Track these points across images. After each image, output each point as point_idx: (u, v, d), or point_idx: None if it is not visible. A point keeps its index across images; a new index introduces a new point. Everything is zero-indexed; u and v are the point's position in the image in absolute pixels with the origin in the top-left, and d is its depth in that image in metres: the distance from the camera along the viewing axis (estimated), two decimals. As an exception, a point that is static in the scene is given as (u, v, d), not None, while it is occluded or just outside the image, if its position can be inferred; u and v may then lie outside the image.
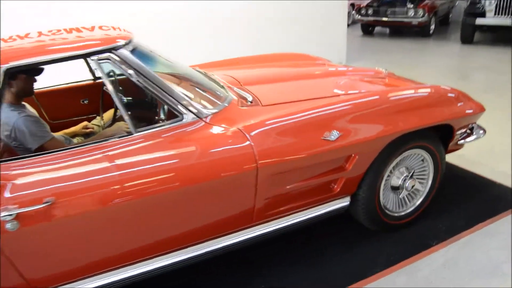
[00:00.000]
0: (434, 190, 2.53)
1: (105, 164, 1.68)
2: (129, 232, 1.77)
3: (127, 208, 1.68)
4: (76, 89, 2.87)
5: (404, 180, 2.38)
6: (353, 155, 2.09)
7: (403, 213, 2.47)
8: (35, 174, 1.61)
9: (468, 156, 3.49)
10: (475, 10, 8.02)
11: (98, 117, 2.83)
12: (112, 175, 1.66)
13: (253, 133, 1.87)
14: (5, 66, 1.61)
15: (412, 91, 2.38)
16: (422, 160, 2.44)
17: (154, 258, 1.87)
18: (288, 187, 2.01)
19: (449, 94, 2.45)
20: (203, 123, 1.89)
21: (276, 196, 2.00)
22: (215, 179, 1.80)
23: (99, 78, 2.74)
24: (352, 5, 11.82)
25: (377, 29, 11.09)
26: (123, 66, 1.77)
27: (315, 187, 2.12)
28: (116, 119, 2.52)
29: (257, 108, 2.09)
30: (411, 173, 2.39)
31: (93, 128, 2.73)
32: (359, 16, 10.27)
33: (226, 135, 1.86)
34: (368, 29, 10.70)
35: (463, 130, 2.56)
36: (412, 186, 2.41)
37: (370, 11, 10.00)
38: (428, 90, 2.43)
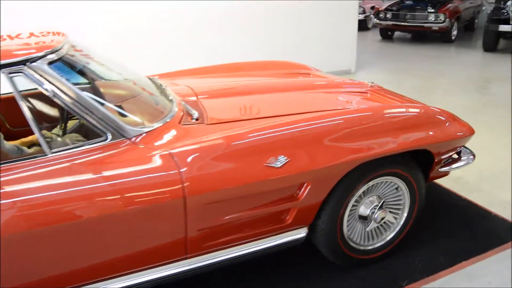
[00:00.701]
0: (410, 223, 2.25)
1: (9, 188, 1.50)
2: (37, 260, 1.57)
3: (34, 235, 1.49)
4: (39, 96, 2.72)
5: (373, 211, 2.11)
6: (305, 183, 1.84)
7: (370, 247, 2.20)
8: None
9: (466, 179, 3.17)
10: (499, 16, 7.54)
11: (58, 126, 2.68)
12: (13, 201, 1.48)
13: (183, 158, 1.66)
14: None
15: (386, 112, 2.11)
16: (396, 189, 2.17)
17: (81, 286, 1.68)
18: (226, 217, 1.78)
19: (431, 115, 2.17)
20: (130, 144, 1.68)
21: (213, 227, 1.78)
22: (133, 207, 1.59)
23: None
24: (373, 7, 11.43)
25: (398, 34, 10.67)
26: (38, 80, 1.58)
27: (263, 218, 1.88)
28: (66, 131, 2.35)
29: (200, 127, 1.87)
30: (380, 203, 2.12)
31: (51, 137, 2.57)
32: (377, 20, 9.89)
33: (152, 159, 1.65)
34: (387, 34, 10.29)
35: (448, 155, 2.27)
36: (382, 218, 2.14)
37: (389, 15, 9.61)
38: (404, 110, 2.16)
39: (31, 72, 1.57)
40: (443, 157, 2.22)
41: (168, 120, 1.87)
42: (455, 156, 2.37)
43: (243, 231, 1.88)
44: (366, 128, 1.95)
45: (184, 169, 1.64)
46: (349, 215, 2.07)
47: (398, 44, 9.96)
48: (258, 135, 1.79)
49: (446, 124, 2.19)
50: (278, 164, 1.75)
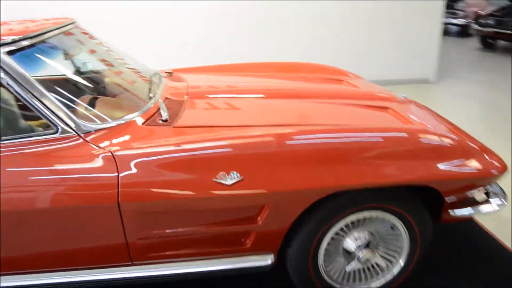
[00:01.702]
0: (407, 273, 1.89)
1: None
2: None
3: None
4: None
5: (358, 248, 1.81)
6: (264, 207, 1.62)
7: (350, 290, 1.89)
8: None
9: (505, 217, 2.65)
10: None
11: None
12: None
13: (125, 161, 1.55)
14: None
15: (379, 135, 1.77)
16: (392, 228, 1.83)
17: (27, 274, 1.68)
18: (170, 230, 1.64)
19: (442, 144, 1.79)
20: (79, 139, 1.61)
21: (156, 238, 1.65)
22: (66, 205, 1.53)
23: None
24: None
25: (502, 43, 9.45)
26: None
27: (218, 237, 1.71)
28: None
29: (162, 129, 1.74)
30: (367, 242, 1.81)
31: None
32: (478, 26, 8.83)
33: (93, 158, 1.56)
34: (488, 42, 9.16)
35: (467, 195, 1.86)
36: (367, 260, 1.82)
37: (492, 21, 8.53)
38: (404, 135, 1.80)
39: None
40: (458, 197, 1.82)
41: (131, 118, 1.77)
42: (482, 195, 1.94)
43: (196, 248, 1.72)
44: (347, 152, 1.66)
45: (124, 173, 1.53)
46: (328, 246, 1.80)
47: (500, 55, 8.80)
48: (212, 146, 1.60)
49: (465, 156, 1.78)
50: (229, 181, 1.55)
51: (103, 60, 2.37)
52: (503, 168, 1.83)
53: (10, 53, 1.61)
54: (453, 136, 1.86)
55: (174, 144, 1.61)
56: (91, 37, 2.32)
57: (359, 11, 5.48)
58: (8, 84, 1.57)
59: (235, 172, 1.55)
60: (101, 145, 1.60)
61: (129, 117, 1.78)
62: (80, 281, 1.69)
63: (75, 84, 1.97)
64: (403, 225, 1.81)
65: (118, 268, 1.71)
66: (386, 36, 5.70)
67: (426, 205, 1.81)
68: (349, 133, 1.72)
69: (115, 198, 1.52)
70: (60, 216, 1.56)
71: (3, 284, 1.67)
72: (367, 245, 1.82)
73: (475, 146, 1.85)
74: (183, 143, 1.61)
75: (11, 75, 1.56)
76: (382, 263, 1.87)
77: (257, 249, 1.74)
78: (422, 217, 1.81)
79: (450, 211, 1.82)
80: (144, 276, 1.73)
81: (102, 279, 1.70)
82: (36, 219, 1.55)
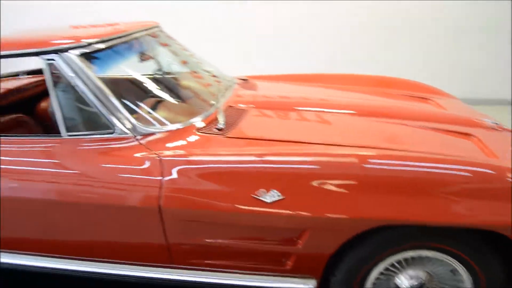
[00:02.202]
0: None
1: (30, 159, 1.72)
2: (44, 223, 1.78)
3: (31, 202, 1.71)
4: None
5: (411, 288, 1.63)
6: (305, 230, 1.53)
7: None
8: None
9: None
10: None
11: None
12: (24, 168, 1.69)
13: (171, 166, 1.58)
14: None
15: (446, 166, 1.55)
16: (453, 272, 1.61)
17: (69, 259, 1.82)
18: (209, 240, 1.63)
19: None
20: (134, 141, 1.69)
21: (196, 245, 1.66)
22: (114, 203, 1.62)
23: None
24: None
25: None
26: (64, 69, 1.71)
27: (259, 253, 1.65)
28: None
29: (215, 138, 1.74)
30: (421, 284, 1.61)
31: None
32: None
33: (143, 160, 1.62)
34: None
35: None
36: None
37: None
38: (491, 171, 1.54)
39: (60, 60, 1.71)
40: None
41: (188, 124, 1.80)
42: None
43: (235, 260, 1.69)
44: (403, 182, 1.48)
45: (167, 178, 1.56)
46: (377, 281, 1.65)
47: None
48: (254, 161, 1.56)
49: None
50: (268, 199, 1.49)
51: (182, 63, 2.47)
52: None
53: (84, 55, 1.74)
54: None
55: (219, 155, 1.59)
56: (173, 40, 2.43)
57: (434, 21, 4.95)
58: (75, 83, 1.69)
59: (275, 191, 1.49)
60: (153, 148, 1.65)
61: (187, 122, 1.81)
62: (123, 274, 1.77)
63: (144, 86, 2.06)
64: (466, 271, 1.58)
65: (159, 269, 1.75)
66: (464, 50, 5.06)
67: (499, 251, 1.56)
68: (417, 162, 1.52)
69: (156, 202, 1.55)
70: (105, 211, 1.65)
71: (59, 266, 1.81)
72: (422, 286, 1.62)
73: None
74: (228, 154, 1.59)
75: (78, 76, 1.68)
76: (436, 309, 1.66)
77: (297, 272, 1.66)
78: (490, 264, 1.56)
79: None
80: (182, 280, 1.75)
81: (143, 276, 1.76)
82: (87, 211, 1.67)
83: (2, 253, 1.85)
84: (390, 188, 1.46)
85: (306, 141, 1.69)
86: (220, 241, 1.63)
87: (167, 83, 2.31)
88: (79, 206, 1.66)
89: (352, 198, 1.47)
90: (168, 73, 2.40)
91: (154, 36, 2.38)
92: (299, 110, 2.12)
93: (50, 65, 1.72)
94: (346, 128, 1.94)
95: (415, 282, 1.63)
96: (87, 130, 1.74)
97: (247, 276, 1.71)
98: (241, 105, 2.10)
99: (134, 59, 2.15)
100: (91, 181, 1.64)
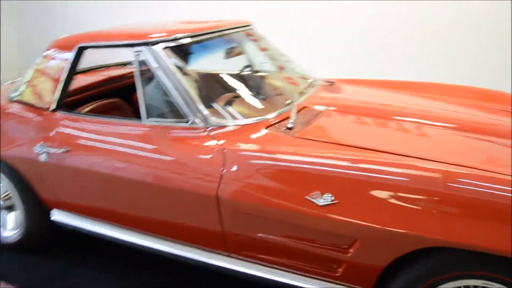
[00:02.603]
0: None
1: (110, 138, 1.97)
2: (113, 195, 2.02)
3: (109, 178, 1.94)
4: None
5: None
6: (356, 239, 1.49)
7: None
8: (70, 128, 2.04)
9: None
10: None
11: None
12: (108, 148, 1.94)
13: (233, 160, 1.65)
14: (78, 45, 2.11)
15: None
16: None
17: (133, 232, 2.05)
18: (262, 235, 1.67)
19: None
20: (204, 132, 1.79)
21: (250, 238, 1.71)
22: (177, 187, 1.75)
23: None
24: None
25: None
26: (150, 60, 1.88)
27: (307, 255, 1.64)
28: None
29: (283, 137, 1.76)
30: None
31: None
32: None
33: (209, 151, 1.72)
34: None
35: None
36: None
37: None
38: None
39: (147, 52, 1.88)
40: None
41: (257, 120, 1.86)
42: None
43: (287, 259, 1.71)
44: (463, 203, 1.35)
45: (228, 170, 1.64)
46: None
47: None
48: (312, 162, 1.54)
49: None
50: (321, 202, 1.48)
51: (269, 61, 2.54)
52: None
53: (170, 48, 1.89)
54: None
55: (280, 153, 1.62)
56: (263, 39, 2.51)
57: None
58: (157, 74, 1.85)
59: (329, 194, 1.47)
60: (220, 141, 1.74)
61: (258, 118, 1.87)
62: (181, 255, 1.91)
63: (226, 81, 2.17)
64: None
65: (216, 255, 1.85)
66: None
67: None
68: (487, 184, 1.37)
69: (214, 191, 1.64)
70: (170, 192, 1.78)
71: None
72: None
73: None
74: (288, 153, 1.60)
75: (161, 67, 1.83)
76: None
77: (348, 281, 1.62)
78: None
79: None
80: (235, 270, 1.82)
81: (199, 260, 1.88)
82: (153, 191, 1.84)
83: (86, 219, 2.15)
84: (466, 210, 1.33)
85: (375, 149, 1.62)
86: (272, 237, 1.66)
87: (249, 79, 2.39)
88: (145, 185, 1.83)
89: (401, 211, 1.38)
90: (254, 70, 2.48)
91: (245, 34, 2.48)
92: (380, 117, 2.00)
93: (138, 56, 1.91)
94: (426, 141, 1.81)
95: None
96: (165, 118, 1.89)
97: (298, 276, 1.71)
98: (317, 107, 2.09)
99: (221, 54, 2.26)
100: (159, 164, 1.80)
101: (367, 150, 1.61)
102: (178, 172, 1.74)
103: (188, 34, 2.00)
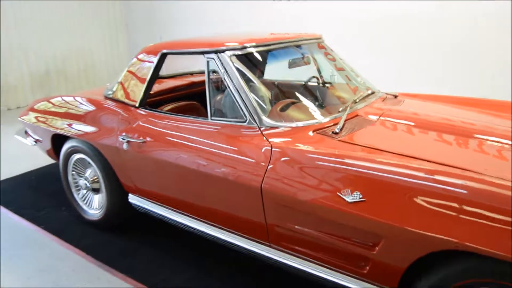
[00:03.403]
0: None
1: (179, 133, 2.27)
2: (178, 184, 2.33)
3: (175, 168, 2.24)
4: None
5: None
6: (382, 238, 1.58)
7: None
8: (148, 123, 2.39)
9: None
10: None
11: None
12: (176, 141, 2.25)
13: (278, 157, 1.85)
14: (161, 51, 2.47)
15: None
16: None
17: (191, 218, 2.34)
18: (297, 227, 1.82)
19: None
20: (258, 131, 2.01)
21: (288, 230, 1.87)
22: (226, 178, 1.99)
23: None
24: None
25: None
26: (218, 66, 2.16)
27: (338, 250, 1.76)
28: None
29: (327, 140, 1.91)
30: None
31: None
32: None
33: (259, 148, 1.93)
34: None
35: None
36: None
37: None
38: None
39: (217, 59, 2.16)
40: None
41: (307, 124, 2.04)
42: None
43: (320, 253, 1.84)
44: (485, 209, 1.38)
45: (272, 165, 1.83)
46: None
47: None
48: (349, 163, 1.67)
49: None
50: (350, 199, 1.60)
51: (335, 72, 2.71)
52: None
53: (238, 56, 2.16)
54: None
55: (318, 153, 1.77)
56: (331, 51, 2.71)
57: None
58: (224, 78, 2.12)
59: (358, 193, 1.59)
60: (270, 139, 1.94)
61: (308, 122, 2.06)
62: (227, 241, 2.15)
63: (287, 87, 2.39)
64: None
65: (257, 244, 2.05)
66: None
67: None
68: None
69: (259, 183, 1.84)
70: (223, 183, 2.01)
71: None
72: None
73: None
74: (326, 154, 1.75)
75: (227, 72, 2.10)
76: None
77: (374, 279, 1.70)
78: None
79: None
80: (276, 260, 1.99)
81: (242, 246, 2.09)
82: (209, 181, 2.09)
83: (155, 204, 2.48)
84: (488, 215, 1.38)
85: (415, 156, 1.69)
86: (307, 230, 1.80)
87: (311, 88, 2.57)
88: (201, 174, 2.09)
89: (425, 213, 1.45)
90: (318, 80, 2.67)
91: (314, 46, 2.68)
92: (431, 131, 2.04)
93: (209, 62, 2.20)
94: (469, 153, 1.83)
95: None
96: (226, 117, 2.15)
97: (330, 271, 1.83)
98: (370, 116, 2.20)
99: (287, 64, 2.48)
100: (216, 158, 2.04)
101: (401, 156, 1.69)
102: (232, 166, 1.97)
103: (255, 44, 2.25)
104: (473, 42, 4.71)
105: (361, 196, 1.58)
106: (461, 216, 1.40)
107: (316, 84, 2.67)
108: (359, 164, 1.66)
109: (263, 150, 1.90)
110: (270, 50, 2.37)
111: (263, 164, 1.86)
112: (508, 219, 1.32)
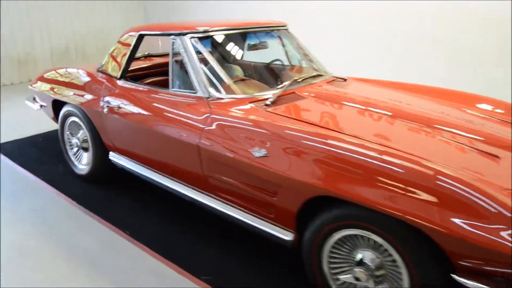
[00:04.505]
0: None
1: (146, 100, 2.74)
2: (146, 144, 2.78)
3: (139, 129, 2.70)
4: None
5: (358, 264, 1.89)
6: (281, 187, 2.01)
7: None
8: (124, 92, 2.87)
9: None
10: None
11: None
12: (143, 106, 2.72)
13: (211, 121, 2.29)
14: (139, 32, 2.93)
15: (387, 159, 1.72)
16: (394, 262, 1.80)
17: (153, 172, 2.82)
18: (225, 178, 2.26)
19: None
20: (204, 101, 2.45)
21: (218, 180, 2.31)
22: (176, 138, 2.45)
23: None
24: None
25: None
26: (178, 46, 2.61)
27: (254, 198, 2.17)
28: None
29: (257, 109, 2.31)
30: (359, 261, 1.86)
31: None
32: None
33: (201, 114, 2.37)
34: None
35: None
36: (357, 279, 1.87)
37: None
38: (428, 171, 1.65)
39: (178, 41, 2.61)
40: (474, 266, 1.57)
41: (246, 96, 2.47)
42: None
43: (240, 200, 2.27)
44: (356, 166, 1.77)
45: (207, 128, 2.28)
46: (333, 250, 1.97)
47: None
48: (260, 126, 2.09)
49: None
50: (257, 154, 2.03)
51: (289, 57, 3.13)
52: None
53: (196, 38, 2.60)
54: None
55: (245, 119, 2.20)
56: (292, 39, 3.13)
57: None
58: (182, 56, 2.57)
59: (264, 150, 2.02)
60: (212, 107, 2.37)
61: (247, 95, 2.48)
62: (176, 190, 2.62)
63: (237, 67, 2.82)
64: (400, 258, 1.73)
65: (197, 192, 2.51)
66: None
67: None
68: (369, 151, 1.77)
69: (196, 141, 2.29)
70: (172, 141, 2.47)
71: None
72: (360, 263, 1.87)
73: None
74: (245, 119, 2.18)
75: (186, 51, 2.55)
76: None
77: (280, 222, 2.12)
78: (422, 256, 1.68)
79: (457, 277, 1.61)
80: (210, 206, 2.44)
81: (186, 194, 2.56)
82: (161, 139, 2.56)
83: (127, 159, 2.96)
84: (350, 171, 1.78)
85: (319, 125, 2.08)
86: (231, 180, 2.24)
87: (269, 68, 2.99)
88: (158, 134, 2.57)
89: (306, 166, 1.87)
90: (281, 62, 3.11)
91: (281, 33, 3.10)
92: (361, 109, 2.41)
93: (174, 42, 2.65)
94: (384, 128, 2.18)
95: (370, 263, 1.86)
96: (182, 89, 2.60)
97: (246, 215, 2.28)
98: (305, 93, 2.60)
99: (243, 47, 2.91)
100: (171, 121, 2.50)
101: (307, 124, 2.09)
102: (180, 127, 2.43)
103: (217, 28, 2.68)
104: (472, 40, 4.95)
105: (265, 152, 2.01)
106: (331, 168, 1.81)
107: (277, 66, 3.10)
108: (267, 128, 2.08)
109: (204, 116, 2.35)
110: (230, 35, 2.79)
111: (202, 126, 2.30)
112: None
